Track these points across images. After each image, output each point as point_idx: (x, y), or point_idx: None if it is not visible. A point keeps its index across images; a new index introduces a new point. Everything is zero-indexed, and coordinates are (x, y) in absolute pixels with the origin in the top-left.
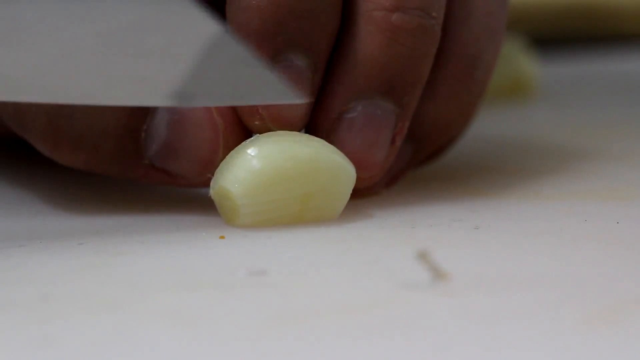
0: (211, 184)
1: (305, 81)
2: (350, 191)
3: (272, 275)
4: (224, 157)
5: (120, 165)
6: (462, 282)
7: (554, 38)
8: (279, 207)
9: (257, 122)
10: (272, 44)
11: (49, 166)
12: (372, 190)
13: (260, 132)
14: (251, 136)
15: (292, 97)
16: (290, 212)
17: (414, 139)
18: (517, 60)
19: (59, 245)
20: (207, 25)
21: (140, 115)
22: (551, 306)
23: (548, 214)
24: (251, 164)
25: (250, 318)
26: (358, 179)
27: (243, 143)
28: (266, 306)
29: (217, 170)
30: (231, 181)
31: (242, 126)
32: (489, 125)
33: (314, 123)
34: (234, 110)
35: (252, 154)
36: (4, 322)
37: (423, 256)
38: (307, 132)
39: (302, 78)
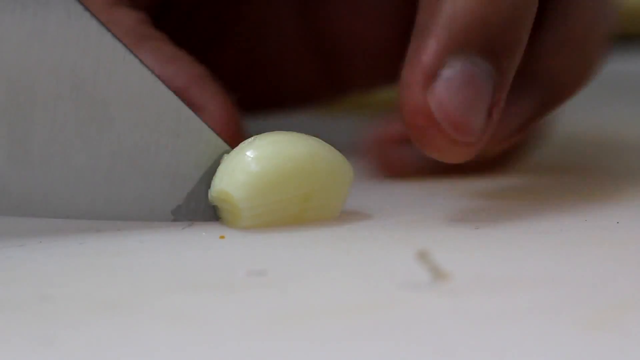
0: (211, 187)
1: None
2: (349, 190)
3: (272, 275)
4: None
5: None
6: (462, 282)
7: None
8: (280, 208)
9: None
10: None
11: None
12: (485, 154)
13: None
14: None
15: None
16: (291, 212)
17: (535, 91)
18: None
19: (59, 245)
20: (216, 144)
21: None
22: (551, 306)
23: (548, 214)
24: (250, 167)
25: (250, 318)
26: (455, 149)
27: (241, 145)
28: (266, 306)
29: (216, 173)
30: (231, 184)
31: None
32: None
33: (407, 78)
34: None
35: (251, 156)
36: (4, 322)
37: (423, 256)
38: (397, 88)
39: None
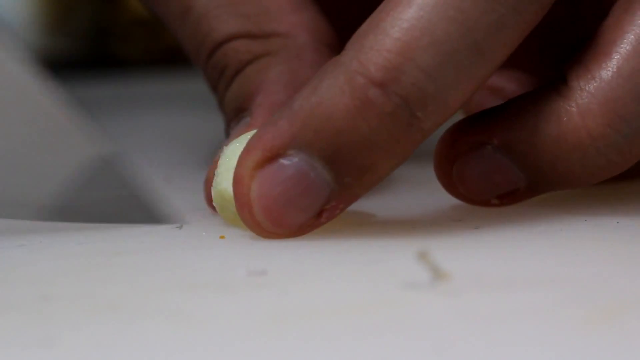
0: (212, 185)
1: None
2: None
3: (272, 275)
4: None
5: None
6: (462, 282)
7: None
8: None
9: None
10: None
11: None
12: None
13: None
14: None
15: (160, 221)
16: None
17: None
18: None
19: (59, 245)
20: (89, 147)
21: None
22: (551, 306)
23: (548, 214)
24: None
25: (250, 318)
26: (257, 229)
27: (241, 140)
28: (266, 306)
29: (217, 171)
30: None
31: None
32: None
33: (249, 144)
34: None
35: None
36: (4, 323)
37: (423, 256)
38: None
39: None
